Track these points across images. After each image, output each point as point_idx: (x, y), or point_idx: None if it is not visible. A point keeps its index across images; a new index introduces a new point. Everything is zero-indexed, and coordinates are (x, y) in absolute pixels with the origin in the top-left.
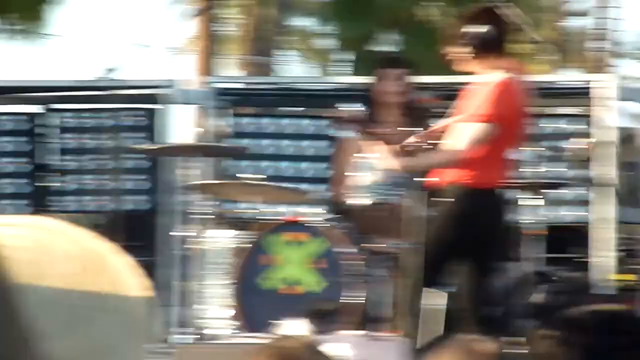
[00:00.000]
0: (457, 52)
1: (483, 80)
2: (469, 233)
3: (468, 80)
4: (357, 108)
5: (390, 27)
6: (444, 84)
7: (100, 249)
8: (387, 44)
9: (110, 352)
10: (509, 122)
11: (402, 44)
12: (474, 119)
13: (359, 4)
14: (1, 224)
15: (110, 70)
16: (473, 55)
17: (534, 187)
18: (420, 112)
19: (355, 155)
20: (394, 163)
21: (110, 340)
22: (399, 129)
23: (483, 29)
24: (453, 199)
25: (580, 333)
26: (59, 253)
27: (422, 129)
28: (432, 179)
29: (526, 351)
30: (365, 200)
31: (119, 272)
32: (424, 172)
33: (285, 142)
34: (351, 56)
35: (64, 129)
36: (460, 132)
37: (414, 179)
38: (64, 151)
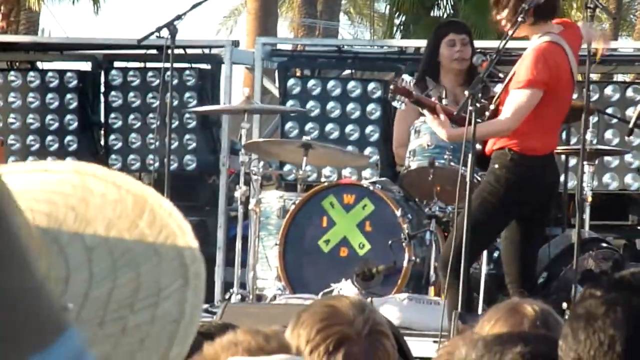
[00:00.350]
0: (508, 16)
1: (531, 46)
2: (519, 199)
3: (522, 46)
4: (406, 78)
5: None
6: (504, 49)
7: (147, 195)
8: (445, 7)
9: (158, 296)
10: (554, 87)
11: (462, 10)
12: (519, 85)
13: None
14: (38, 169)
15: (162, 28)
16: (524, 20)
17: (585, 153)
18: (479, 76)
19: (407, 120)
20: (443, 133)
21: (158, 285)
22: (455, 95)
23: None
24: (503, 165)
25: (626, 294)
26: (101, 198)
27: (481, 94)
28: (484, 145)
29: (572, 312)
30: (415, 164)
31: (167, 219)
32: (474, 137)
33: (331, 104)
34: (405, 20)
35: (112, 87)
36: (509, 100)
37: (467, 143)
38: (111, 109)
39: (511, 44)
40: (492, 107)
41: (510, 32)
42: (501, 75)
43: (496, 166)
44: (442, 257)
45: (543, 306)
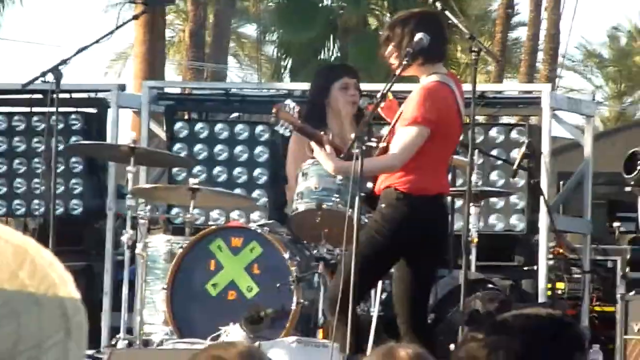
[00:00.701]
0: (396, 57)
1: (420, 85)
2: (405, 238)
3: (408, 88)
4: (290, 104)
5: (335, 34)
6: (391, 92)
7: (27, 245)
8: (331, 51)
9: (40, 348)
10: (441, 126)
11: (348, 51)
12: (406, 122)
13: (302, 10)
14: None
15: (47, 72)
16: (408, 62)
17: (470, 195)
18: (365, 118)
19: (294, 160)
20: (329, 166)
21: (40, 336)
22: (342, 137)
23: (421, 34)
24: (390, 204)
25: (507, 337)
26: None
27: (367, 136)
28: (372, 185)
29: (453, 355)
30: (303, 206)
31: (47, 269)
32: (364, 178)
33: (219, 147)
34: (293, 63)
35: None
36: (396, 137)
37: (354, 184)
38: None
39: (397, 87)
40: (381, 145)
41: (395, 75)
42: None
43: (383, 205)
44: (329, 298)
45: (418, 350)
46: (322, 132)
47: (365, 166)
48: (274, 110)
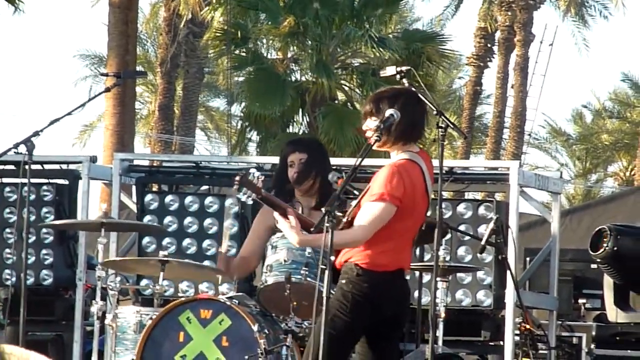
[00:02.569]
0: (369, 133)
1: (389, 162)
2: (367, 314)
3: (378, 164)
4: (255, 173)
5: (303, 107)
6: (360, 167)
7: None
8: (299, 124)
9: None
10: (408, 203)
11: (320, 125)
12: (373, 197)
13: (270, 83)
14: None
15: (20, 144)
16: (378, 138)
17: (438, 270)
18: (335, 193)
19: (253, 230)
20: (293, 238)
21: None
22: (310, 213)
23: (392, 110)
24: (350, 281)
25: None
26: None
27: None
28: (336, 259)
29: None
30: (272, 279)
31: None
32: (330, 251)
33: (189, 219)
34: (261, 136)
35: None
36: (361, 211)
37: (319, 258)
38: None
39: (367, 162)
40: (345, 219)
41: (366, 150)
42: (356, 192)
43: (343, 282)
44: None
45: None
46: (288, 204)
47: (331, 239)
48: (236, 178)
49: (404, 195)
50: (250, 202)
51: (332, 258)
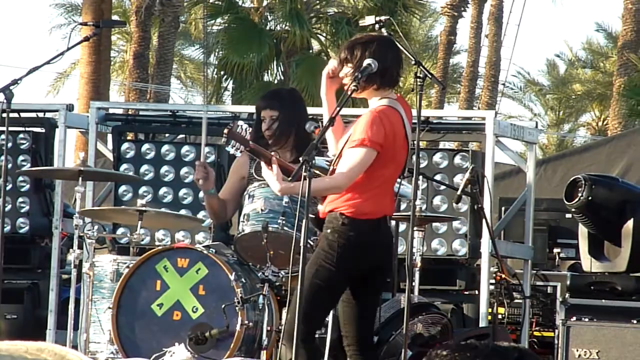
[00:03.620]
0: (347, 76)
1: (369, 109)
2: (353, 262)
3: (356, 113)
4: (243, 125)
5: (278, 56)
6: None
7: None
8: (274, 73)
9: None
10: (389, 149)
11: (294, 74)
12: (353, 144)
13: (246, 33)
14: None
15: None
16: (356, 87)
17: (414, 220)
18: (313, 142)
19: (236, 173)
20: (275, 186)
21: None
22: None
23: (370, 60)
24: (335, 230)
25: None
26: None
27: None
28: (318, 209)
29: None
30: (249, 228)
31: None
32: (310, 200)
33: (165, 168)
34: (235, 84)
35: None
36: (343, 158)
37: (300, 207)
38: None
39: (345, 111)
40: (331, 168)
41: (344, 98)
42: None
43: (328, 231)
44: (287, 331)
45: None
46: (272, 153)
47: (313, 186)
48: (225, 131)
49: (385, 140)
50: (239, 154)
51: (319, 207)
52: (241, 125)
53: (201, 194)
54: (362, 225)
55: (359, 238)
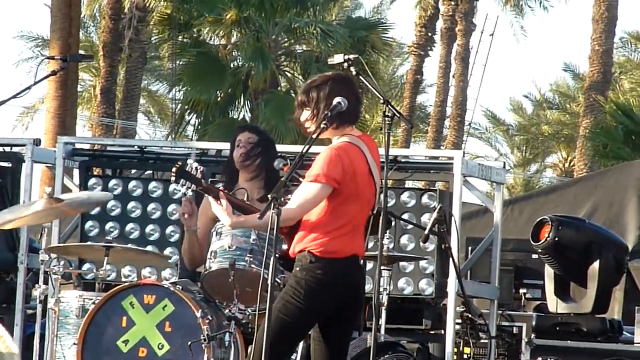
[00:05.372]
0: (311, 120)
1: (329, 145)
2: (321, 300)
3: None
4: (193, 164)
5: (245, 93)
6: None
7: None
8: (240, 110)
9: None
10: (349, 185)
11: (262, 113)
12: (309, 178)
13: (211, 69)
14: None
15: None
16: (326, 126)
17: (382, 259)
18: (282, 180)
19: (204, 222)
20: (226, 220)
21: None
22: (253, 200)
23: (339, 98)
24: (304, 268)
25: None
26: None
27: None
28: (286, 247)
29: None
30: (216, 265)
31: None
32: (276, 238)
33: (132, 204)
34: (200, 120)
35: None
36: (297, 191)
37: (264, 245)
38: None
39: (313, 149)
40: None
41: (313, 137)
42: (301, 179)
43: (297, 269)
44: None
45: None
46: (234, 189)
47: (264, 220)
48: (174, 169)
49: (343, 176)
50: (190, 193)
51: (284, 246)
52: (191, 164)
53: (169, 230)
54: (330, 264)
55: (326, 276)
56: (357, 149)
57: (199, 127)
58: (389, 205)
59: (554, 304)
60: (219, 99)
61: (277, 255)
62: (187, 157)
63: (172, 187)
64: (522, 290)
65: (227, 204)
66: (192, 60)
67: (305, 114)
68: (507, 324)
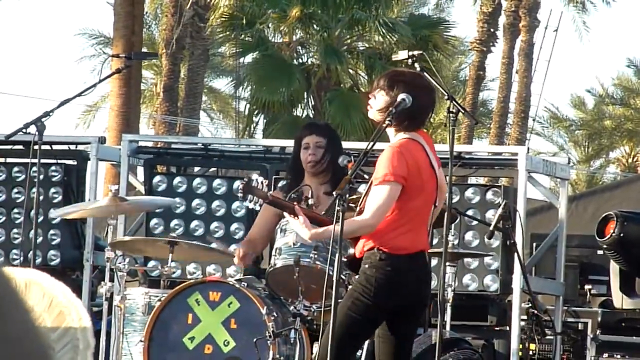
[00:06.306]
0: (377, 116)
1: (388, 144)
2: (390, 297)
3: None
4: (258, 178)
5: (309, 91)
6: (370, 151)
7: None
8: (305, 108)
9: None
10: (414, 180)
11: (327, 110)
12: (377, 181)
13: (276, 67)
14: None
15: (30, 124)
16: (390, 122)
17: (447, 255)
18: (346, 176)
19: (264, 215)
20: (305, 234)
21: None
22: (318, 196)
23: (404, 95)
24: (373, 265)
25: None
26: None
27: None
28: (352, 250)
29: None
30: (281, 262)
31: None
32: (341, 233)
33: (197, 201)
34: (266, 118)
35: None
36: (370, 196)
37: (329, 242)
38: None
39: (377, 146)
40: (360, 207)
41: (375, 134)
42: (366, 176)
43: (366, 266)
44: (309, 356)
45: None
46: (294, 203)
47: (344, 228)
48: (240, 186)
49: (409, 173)
50: (258, 208)
51: (350, 250)
52: (256, 179)
53: (233, 227)
54: (399, 261)
55: (395, 272)
56: (417, 144)
57: (265, 126)
58: (453, 201)
59: (620, 300)
60: (283, 97)
61: (344, 257)
62: (251, 154)
63: (236, 184)
64: (587, 287)
65: (304, 217)
66: (257, 59)
67: (380, 99)
68: (572, 320)
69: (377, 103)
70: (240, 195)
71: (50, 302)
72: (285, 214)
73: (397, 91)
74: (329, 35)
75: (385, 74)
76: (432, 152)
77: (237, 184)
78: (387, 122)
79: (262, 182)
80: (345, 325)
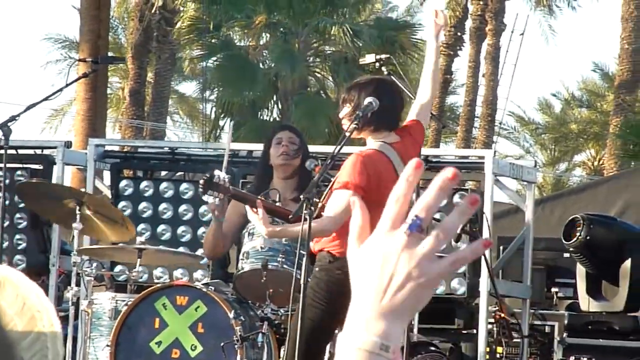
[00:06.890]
0: (344, 120)
1: (356, 151)
2: (342, 301)
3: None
4: (220, 174)
5: (276, 95)
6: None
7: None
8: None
9: None
10: (373, 193)
11: (293, 114)
12: (339, 185)
13: (242, 70)
14: None
15: None
16: (357, 126)
17: None
18: (314, 180)
19: (234, 218)
20: (262, 229)
21: None
22: (285, 199)
23: (371, 98)
24: (323, 268)
25: None
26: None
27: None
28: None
29: None
30: (248, 266)
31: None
32: (308, 239)
33: (164, 206)
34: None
35: None
36: (330, 200)
37: (297, 246)
38: None
39: (345, 149)
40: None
41: (345, 137)
42: (332, 179)
43: (317, 269)
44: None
45: None
46: (264, 192)
47: (301, 229)
48: (200, 182)
49: (368, 186)
50: (217, 202)
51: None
52: (218, 176)
53: (200, 231)
54: (348, 264)
55: (345, 276)
56: (383, 157)
57: (233, 130)
58: None
59: (586, 303)
60: (249, 100)
61: (307, 255)
62: (219, 157)
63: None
64: (554, 289)
65: (263, 213)
66: (222, 63)
67: (345, 110)
68: (539, 323)
69: (346, 111)
70: (200, 190)
71: (23, 304)
72: (246, 207)
73: (363, 96)
74: (287, 40)
75: (348, 86)
76: (405, 163)
77: (201, 181)
78: (354, 125)
79: (224, 179)
80: (303, 330)
